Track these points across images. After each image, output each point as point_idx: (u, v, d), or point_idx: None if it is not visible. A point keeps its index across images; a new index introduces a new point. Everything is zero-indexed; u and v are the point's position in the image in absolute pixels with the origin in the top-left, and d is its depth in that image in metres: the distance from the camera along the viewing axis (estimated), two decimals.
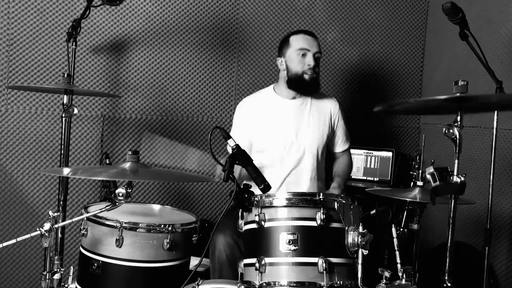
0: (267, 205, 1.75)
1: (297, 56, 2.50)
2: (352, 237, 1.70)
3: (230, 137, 1.85)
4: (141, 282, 1.96)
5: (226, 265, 2.27)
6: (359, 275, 1.66)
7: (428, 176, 1.79)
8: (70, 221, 1.94)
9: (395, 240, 1.77)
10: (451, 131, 1.78)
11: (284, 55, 2.55)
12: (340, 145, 2.71)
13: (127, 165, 1.85)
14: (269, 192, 1.82)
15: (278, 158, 2.52)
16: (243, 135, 2.52)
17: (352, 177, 3.35)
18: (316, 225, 1.70)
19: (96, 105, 3.09)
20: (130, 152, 1.86)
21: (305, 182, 2.54)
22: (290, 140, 2.54)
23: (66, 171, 1.94)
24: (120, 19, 3.11)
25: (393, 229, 1.80)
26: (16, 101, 2.95)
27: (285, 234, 1.70)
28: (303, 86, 2.52)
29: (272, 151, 2.51)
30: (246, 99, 2.68)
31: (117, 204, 1.74)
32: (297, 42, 2.52)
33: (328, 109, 2.63)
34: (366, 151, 3.39)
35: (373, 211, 2.36)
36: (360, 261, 1.67)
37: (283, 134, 2.54)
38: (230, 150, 2.48)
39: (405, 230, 2.26)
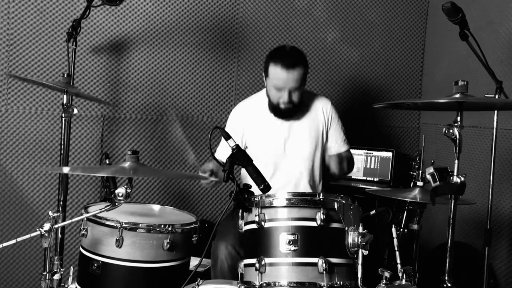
0: (267, 205, 1.75)
1: (273, 89, 2.43)
2: (352, 238, 1.70)
3: (230, 137, 1.84)
4: (141, 283, 1.96)
5: (228, 275, 2.26)
6: (359, 275, 1.66)
7: (428, 176, 1.79)
8: (70, 221, 1.95)
9: (395, 240, 1.77)
10: (451, 131, 1.78)
11: (265, 78, 2.49)
12: (335, 147, 2.61)
13: (126, 164, 1.86)
14: (269, 193, 1.82)
15: (271, 165, 2.52)
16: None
17: (352, 177, 3.35)
18: (316, 225, 1.70)
19: (96, 105, 3.09)
20: (129, 152, 1.86)
21: (299, 186, 2.53)
22: (282, 148, 2.53)
23: (66, 169, 1.94)
24: (120, 19, 3.11)
25: (393, 229, 1.80)
26: (16, 101, 2.96)
27: (285, 234, 1.70)
28: (279, 114, 2.49)
29: (263, 159, 2.50)
30: (239, 105, 2.68)
31: (117, 204, 1.74)
32: (273, 76, 2.39)
33: (320, 110, 2.59)
34: (366, 151, 3.39)
35: (373, 212, 2.36)
36: (360, 261, 1.67)
37: (274, 142, 2.54)
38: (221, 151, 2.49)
39: (405, 230, 2.26)
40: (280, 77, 2.37)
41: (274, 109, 2.50)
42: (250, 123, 2.59)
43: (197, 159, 2.23)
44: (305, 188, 2.53)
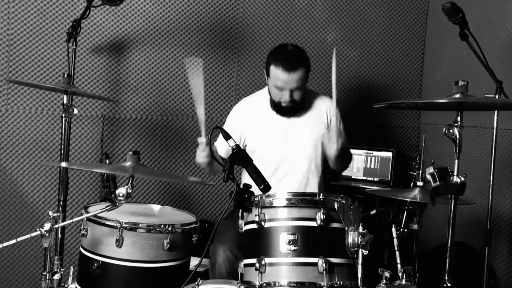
0: (267, 205, 1.75)
1: (274, 88, 2.44)
2: (352, 237, 1.70)
3: (230, 137, 1.85)
4: (141, 282, 1.96)
5: (226, 278, 2.26)
6: (359, 275, 1.66)
7: (428, 176, 1.79)
8: (70, 221, 1.95)
9: (395, 240, 1.78)
10: (451, 131, 1.79)
11: (266, 76, 2.49)
12: None
13: (127, 164, 1.86)
14: (269, 192, 1.82)
15: (272, 163, 2.52)
16: (234, 137, 2.51)
17: (352, 177, 3.35)
18: (316, 225, 1.70)
19: (96, 105, 3.09)
20: (130, 153, 1.86)
21: (300, 185, 2.53)
22: (283, 145, 2.53)
23: (65, 164, 1.94)
24: (120, 19, 3.11)
25: (393, 229, 1.80)
26: (16, 101, 2.95)
27: (285, 234, 1.70)
28: (281, 111, 2.51)
29: (264, 156, 2.50)
30: (242, 102, 2.68)
31: (117, 204, 1.74)
32: (274, 77, 2.40)
33: (323, 109, 2.59)
34: (366, 151, 3.39)
35: (373, 211, 2.36)
36: (360, 261, 1.67)
37: (275, 139, 2.54)
38: (217, 147, 2.50)
39: (405, 230, 2.26)
40: (281, 78, 2.38)
41: (276, 106, 2.51)
42: (250, 120, 2.58)
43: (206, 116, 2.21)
44: (307, 186, 2.53)
